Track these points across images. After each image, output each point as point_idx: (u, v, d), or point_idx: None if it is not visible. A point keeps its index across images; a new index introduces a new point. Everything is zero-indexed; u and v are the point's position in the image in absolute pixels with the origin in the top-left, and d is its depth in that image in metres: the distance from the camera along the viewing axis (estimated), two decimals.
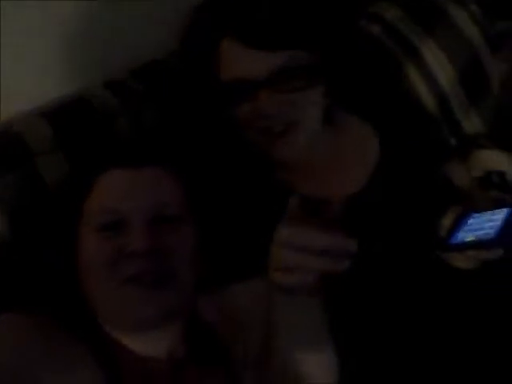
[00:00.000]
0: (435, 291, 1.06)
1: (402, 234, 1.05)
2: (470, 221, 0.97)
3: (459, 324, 1.05)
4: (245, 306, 1.01)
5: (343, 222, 0.77)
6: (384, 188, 1.09)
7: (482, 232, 0.92)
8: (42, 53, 1.17)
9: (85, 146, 1.10)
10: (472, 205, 1.06)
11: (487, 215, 0.95)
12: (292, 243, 0.74)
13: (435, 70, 1.31)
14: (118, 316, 0.93)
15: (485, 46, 1.36)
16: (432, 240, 1.02)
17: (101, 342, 0.93)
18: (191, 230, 0.97)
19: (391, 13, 1.31)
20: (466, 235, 0.95)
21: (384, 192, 1.09)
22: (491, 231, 0.90)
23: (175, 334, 0.96)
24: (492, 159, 1.22)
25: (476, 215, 0.97)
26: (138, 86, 1.18)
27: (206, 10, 1.04)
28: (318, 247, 0.73)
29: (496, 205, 0.99)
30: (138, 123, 1.15)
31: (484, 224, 0.94)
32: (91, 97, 1.15)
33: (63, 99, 1.15)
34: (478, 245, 0.93)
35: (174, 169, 0.99)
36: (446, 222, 1.01)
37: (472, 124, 1.34)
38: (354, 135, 1.13)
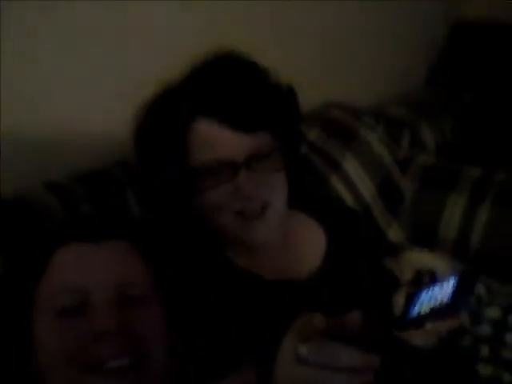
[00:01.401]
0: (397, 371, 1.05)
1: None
2: (422, 296, 1.00)
3: None
4: None
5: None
6: (334, 273, 1.10)
7: (436, 303, 0.94)
8: None
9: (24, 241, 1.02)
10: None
11: (438, 287, 0.98)
12: (316, 361, 0.70)
13: (356, 181, 1.41)
14: None
15: (394, 165, 1.49)
16: (388, 319, 1.02)
17: None
18: (159, 311, 0.89)
19: (313, 133, 1.42)
20: (422, 308, 0.97)
21: (335, 276, 1.10)
22: (444, 299, 0.93)
23: None
24: (419, 259, 1.28)
25: (428, 290, 1.00)
26: (81, 191, 1.15)
27: (168, 96, 1.05)
28: (345, 364, 0.71)
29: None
30: None
31: (437, 295, 0.96)
32: (31, 197, 1.11)
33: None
34: (435, 315, 0.95)
35: (137, 244, 0.93)
36: (399, 300, 1.03)
37: (395, 234, 1.42)
38: (302, 222, 1.16)
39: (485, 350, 1.21)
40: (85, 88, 1.25)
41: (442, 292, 0.95)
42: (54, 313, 0.85)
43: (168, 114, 1.04)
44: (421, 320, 0.95)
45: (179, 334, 0.91)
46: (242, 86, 1.03)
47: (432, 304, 0.94)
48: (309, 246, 1.13)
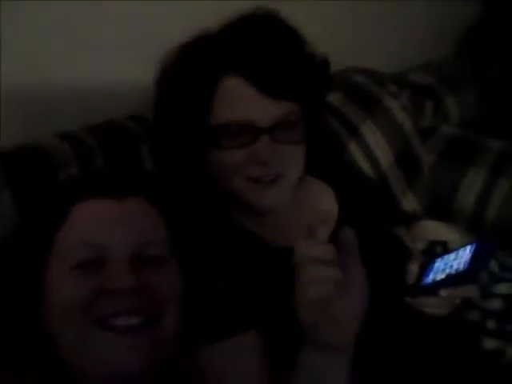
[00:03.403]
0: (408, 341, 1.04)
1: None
2: (437, 263, 0.99)
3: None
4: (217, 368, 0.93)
5: None
6: None
7: (452, 270, 0.94)
8: None
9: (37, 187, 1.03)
10: None
11: (453, 254, 0.97)
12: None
13: (374, 148, 1.40)
14: (93, 365, 0.82)
15: (415, 134, 1.47)
16: (401, 286, 1.01)
17: None
18: (175, 272, 0.89)
19: (335, 97, 1.41)
20: (436, 275, 0.96)
21: None
22: (461, 266, 0.92)
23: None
24: (433, 229, 1.27)
25: (442, 257, 0.99)
26: (94, 143, 1.15)
27: (201, 48, 1.03)
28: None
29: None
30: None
31: (453, 262, 0.95)
32: (46, 145, 1.11)
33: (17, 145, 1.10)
34: (450, 281, 0.94)
35: (157, 203, 0.91)
36: (413, 268, 1.02)
37: (409, 204, 1.41)
38: (315, 188, 1.15)
39: (491, 324, 1.20)
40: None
41: (458, 259, 0.94)
42: (69, 264, 0.85)
43: (198, 65, 1.02)
44: (435, 286, 0.95)
45: (191, 293, 0.91)
46: (277, 48, 1.01)
47: (447, 271, 0.94)
48: (320, 213, 1.12)
